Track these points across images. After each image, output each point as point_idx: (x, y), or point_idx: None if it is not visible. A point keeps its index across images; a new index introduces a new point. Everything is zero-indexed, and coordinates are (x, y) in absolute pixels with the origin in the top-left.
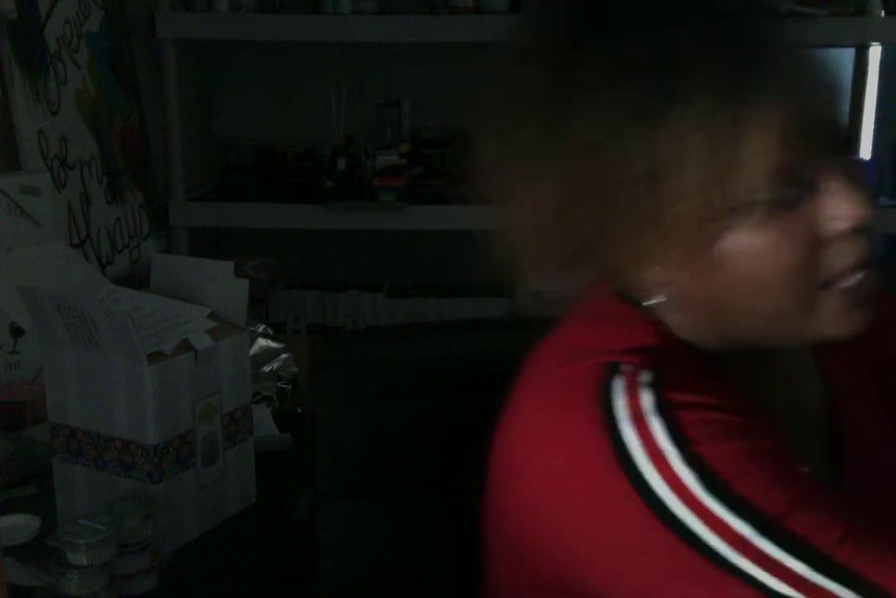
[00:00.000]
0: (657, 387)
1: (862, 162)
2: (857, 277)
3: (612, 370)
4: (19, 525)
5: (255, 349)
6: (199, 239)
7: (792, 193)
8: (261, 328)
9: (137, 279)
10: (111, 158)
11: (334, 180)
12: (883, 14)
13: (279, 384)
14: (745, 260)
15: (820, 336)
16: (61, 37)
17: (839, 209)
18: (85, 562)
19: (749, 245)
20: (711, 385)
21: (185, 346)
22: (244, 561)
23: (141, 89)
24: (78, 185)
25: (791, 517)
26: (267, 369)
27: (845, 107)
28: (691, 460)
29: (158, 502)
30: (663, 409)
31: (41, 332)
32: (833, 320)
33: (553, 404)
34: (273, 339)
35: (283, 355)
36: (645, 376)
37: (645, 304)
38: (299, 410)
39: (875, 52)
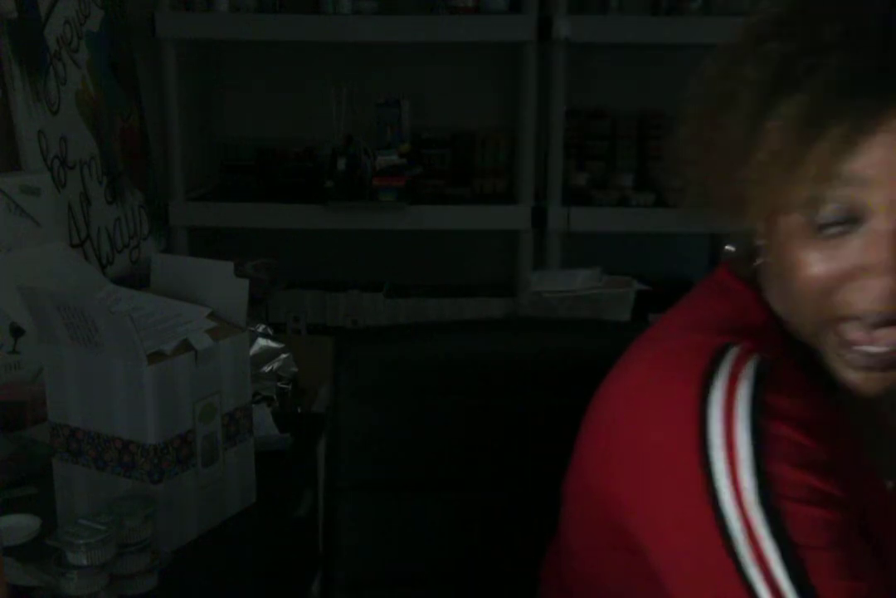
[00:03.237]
0: (759, 384)
1: None
2: (883, 340)
3: (722, 351)
4: (19, 525)
5: (255, 349)
6: (199, 239)
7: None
8: (261, 328)
9: (137, 279)
10: (111, 158)
11: (334, 180)
12: None
13: (279, 384)
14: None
15: (845, 382)
16: (61, 37)
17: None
18: (85, 562)
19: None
20: (808, 383)
21: (185, 346)
22: (244, 561)
23: (141, 89)
24: (78, 185)
25: (814, 559)
26: (267, 369)
27: None
28: (759, 473)
29: (158, 502)
30: (755, 410)
31: (41, 332)
32: (853, 373)
33: (660, 370)
34: (273, 339)
35: (283, 355)
36: (750, 368)
37: (754, 266)
38: (299, 410)
39: None
